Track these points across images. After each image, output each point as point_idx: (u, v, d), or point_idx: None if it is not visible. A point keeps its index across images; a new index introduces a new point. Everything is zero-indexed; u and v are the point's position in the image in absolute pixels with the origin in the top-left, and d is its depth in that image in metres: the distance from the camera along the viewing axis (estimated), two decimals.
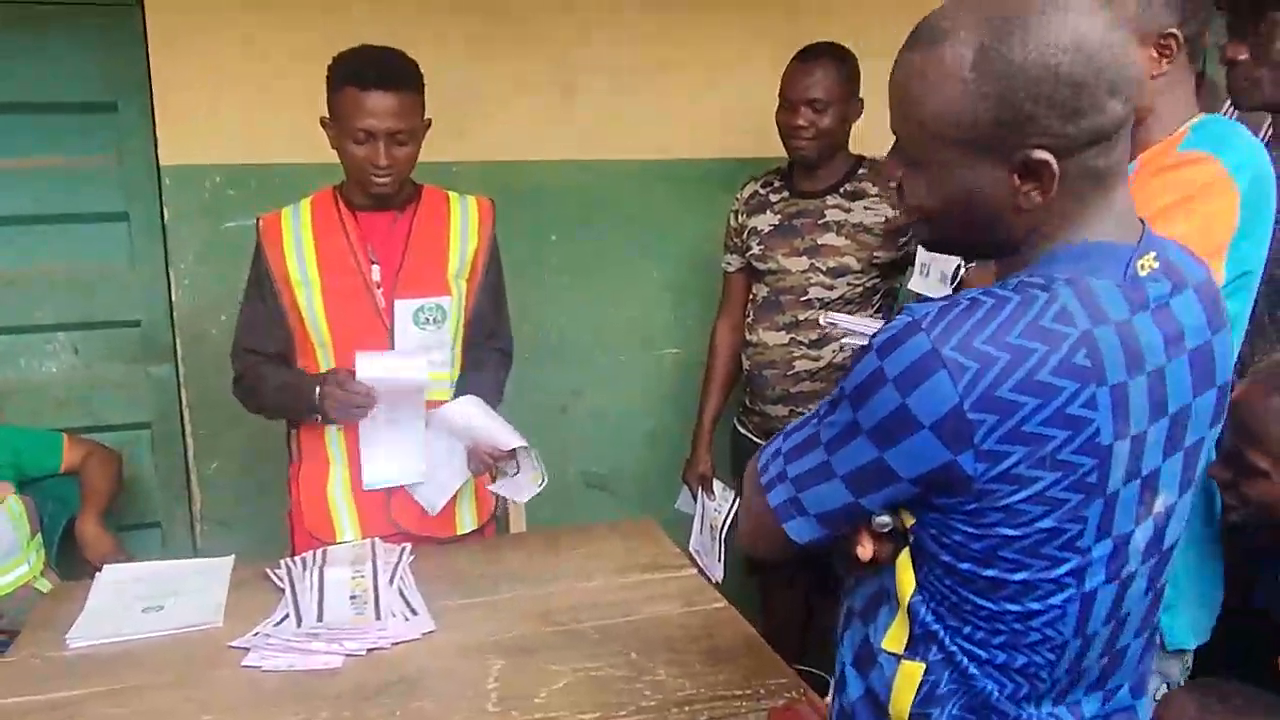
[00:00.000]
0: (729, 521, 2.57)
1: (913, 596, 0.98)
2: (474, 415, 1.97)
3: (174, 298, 2.70)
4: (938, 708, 0.98)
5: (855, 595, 1.07)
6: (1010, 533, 0.90)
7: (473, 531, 2.15)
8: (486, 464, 2.01)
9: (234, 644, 1.66)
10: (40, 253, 2.63)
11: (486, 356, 2.14)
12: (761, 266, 2.47)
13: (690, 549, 2.57)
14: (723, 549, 2.58)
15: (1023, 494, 0.88)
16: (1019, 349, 0.86)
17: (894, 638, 1.00)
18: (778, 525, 1.02)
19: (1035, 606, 0.93)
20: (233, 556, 1.99)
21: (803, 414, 1.09)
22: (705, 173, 3.00)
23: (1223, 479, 1.50)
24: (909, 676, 0.99)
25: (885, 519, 0.97)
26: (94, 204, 2.65)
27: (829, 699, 2.77)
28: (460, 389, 2.05)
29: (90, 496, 2.39)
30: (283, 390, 2.01)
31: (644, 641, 1.67)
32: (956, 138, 0.91)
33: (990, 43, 0.87)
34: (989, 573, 0.92)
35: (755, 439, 2.54)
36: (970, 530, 0.91)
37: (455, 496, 2.07)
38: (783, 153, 2.44)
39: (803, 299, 2.40)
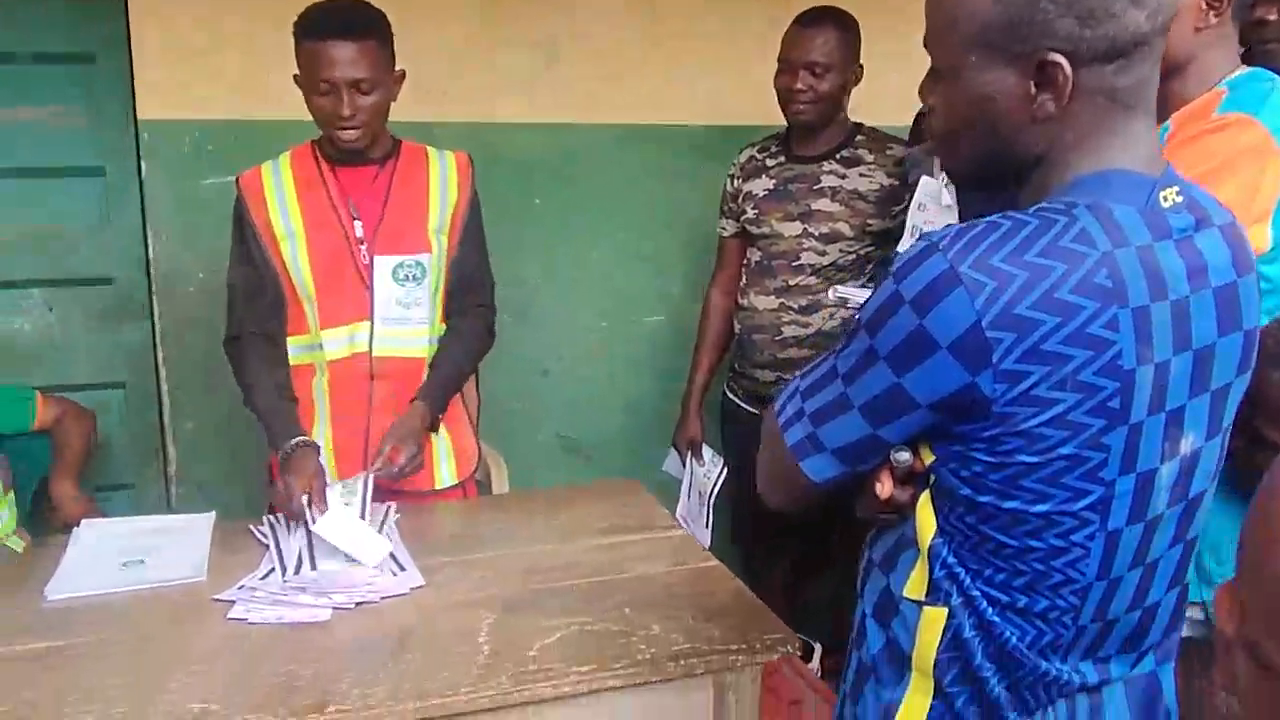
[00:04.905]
0: (718, 487, 2.56)
1: (933, 539, 0.96)
2: (342, 530, 1.77)
3: (150, 255, 2.64)
4: (962, 655, 0.95)
5: (875, 546, 1.05)
6: (1030, 460, 0.88)
7: (452, 486, 2.11)
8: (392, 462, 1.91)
9: (218, 597, 1.63)
10: (12, 207, 2.56)
11: (469, 329, 2.10)
12: (755, 231, 2.45)
13: (677, 515, 2.56)
14: (710, 515, 2.56)
15: (1043, 417, 0.86)
16: (1038, 267, 0.84)
17: (915, 584, 0.98)
18: (795, 465, 0.99)
19: (1058, 543, 0.91)
20: (214, 513, 1.95)
21: (790, 380, 1.05)
22: (692, 139, 2.98)
23: (1234, 448, 1.45)
24: (932, 623, 0.96)
25: (905, 454, 0.95)
26: (68, 158, 2.59)
27: (814, 662, 2.76)
28: (438, 352, 2.04)
29: (64, 457, 2.32)
30: (259, 415, 1.97)
31: (636, 597, 1.65)
32: (976, 40, 0.91)
33: None
34: (1010, 505, 0.90)
35: (744, 405, 2.53)
36: (989, 459, 0.89)
37: (432, 450, 2.04)
38: (766, 122, 2.41)
39: (794, 264, 2.38)
